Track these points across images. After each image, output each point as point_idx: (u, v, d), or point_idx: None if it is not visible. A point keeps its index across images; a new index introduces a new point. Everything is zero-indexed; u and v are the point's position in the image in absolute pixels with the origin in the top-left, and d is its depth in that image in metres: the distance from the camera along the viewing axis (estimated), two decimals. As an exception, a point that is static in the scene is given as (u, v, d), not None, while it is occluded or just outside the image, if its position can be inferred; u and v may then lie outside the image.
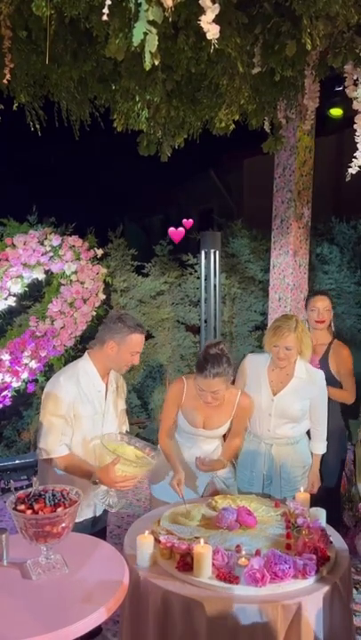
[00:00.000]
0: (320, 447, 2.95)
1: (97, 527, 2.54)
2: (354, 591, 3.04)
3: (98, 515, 2.56)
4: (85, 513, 2.45)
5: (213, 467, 2.73)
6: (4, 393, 4.87)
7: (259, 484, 2.91)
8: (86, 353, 2.51)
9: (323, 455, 2.99)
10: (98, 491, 2.38)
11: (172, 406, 2.78)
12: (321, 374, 2.93)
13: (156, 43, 1.76)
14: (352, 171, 2.83)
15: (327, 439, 2.96)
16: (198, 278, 5.92)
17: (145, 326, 6.03)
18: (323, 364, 3.28)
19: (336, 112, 4.99)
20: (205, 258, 5.49)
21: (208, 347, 2.63)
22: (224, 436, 2.89)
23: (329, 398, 3.00)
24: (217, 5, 1.78)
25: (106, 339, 2.43)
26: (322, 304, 3.39)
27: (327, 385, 3.04)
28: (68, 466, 2.35)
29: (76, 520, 1.92)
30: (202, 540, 2.04)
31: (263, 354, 2.95)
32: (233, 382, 2.94)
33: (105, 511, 2.62)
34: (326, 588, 1.96)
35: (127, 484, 2.26)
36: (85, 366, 2.46)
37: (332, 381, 3.24)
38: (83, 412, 2.39)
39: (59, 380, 2.40)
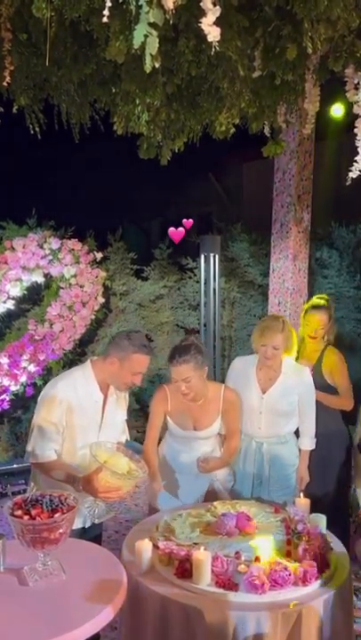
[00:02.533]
0: (308, 443, 2.99)
1: (87, 535, 2.46)
2: (354, 598, 3.02)
3: (87, 526, 2.50)
4: (75, 523, 2.35)
5: (214, 466, 2.75)
6: (3, 396, 4.85)
7: (248, 484, 2.93)
8: (89, 361, 2.48)
9: (328, 460, 3.01)
10: (86, 499, 2.34)
11: (157, 415, 2.83)
12: (307, 370, 3.00)
13: (157, 45, 1.74)
14: (353, 175, 2.82)
15: (331, 445, 2.98)
16: (198, 282, 5.90)
17: (144, 330, 6.07)
18: (316, 370, 3.26)
19: (336, 115, 4.99)
20: (205, 262, 5.49)
21: (181, 341, 2.81)
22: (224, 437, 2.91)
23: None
24: (218, 8, 1.77)
25: (110, 353, 2.40)
26: (316, 320, 3.32)
27: (322, 392, 3.08)
28: (53, 470, 2.32)
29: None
30: (201, 547, 2.02)
31: (251, 355, 3.02)
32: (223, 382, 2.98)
33: (96, 525, 2.57)
34: (327, 595, 1.95)
35: (111, 495, 2.21)
36: (85, 374, 2.42)
37: (326, 388, 3.23)
38: (76, 421, 2.36)
39: (56, 385, 2.38)
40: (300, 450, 3.01)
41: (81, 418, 2.38)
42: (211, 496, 2.79)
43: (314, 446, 3.01)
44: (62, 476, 2.30)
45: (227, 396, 2.81)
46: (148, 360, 2.42)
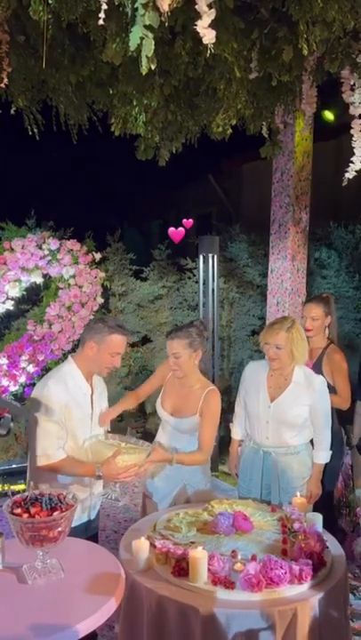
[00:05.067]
0: (321, 456, 2.87)
1: (89, 533, 2.51)
2: (351, 596, 3.03)
3: (92, 518, 2.55)
4: (80, 517, 2.42)
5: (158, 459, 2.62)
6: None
7: (257, 492, 2.88)
8: (70, 357, 2.51)
9: None
10: (100, 490, 2.41)
11: (160, 372, 2.95)
12: (321, 379, 2.89)
13: (153, 47, 1.76)
14: (349, 175, 2.83)
15: None
16: (197, 282, 5.92)
17: (143, 331, 6.06)
18: (316, 368, 3.25)
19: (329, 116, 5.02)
20: (204, 262, 5.50)
21: (188, 322, 2.87)
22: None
23: None
24: (213, 10, 1.78)
25: (86, 339, 2.44)
26: (310, 313, 3.33)
27: None
28: (67, 468, 2.34)
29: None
30: (198, 546, 2.03)
31: (264, 360, 2.94)
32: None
33: (97, 516, 2.61)
34: (322, 594, 1.96)
35: (130, 474, 2.34)
36: (70, 370, 2.45)
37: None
38: (74, 416, 2.38)
39: (47, 384, 2.38)
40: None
41: (77, 412, 2.40)
42: (182, 499, 2.75)
43: (328, 459, 2.89)
44: (79, 471, 2.35)
45: (209, 395, 2.73)
46: (124, 340, 2.45)
